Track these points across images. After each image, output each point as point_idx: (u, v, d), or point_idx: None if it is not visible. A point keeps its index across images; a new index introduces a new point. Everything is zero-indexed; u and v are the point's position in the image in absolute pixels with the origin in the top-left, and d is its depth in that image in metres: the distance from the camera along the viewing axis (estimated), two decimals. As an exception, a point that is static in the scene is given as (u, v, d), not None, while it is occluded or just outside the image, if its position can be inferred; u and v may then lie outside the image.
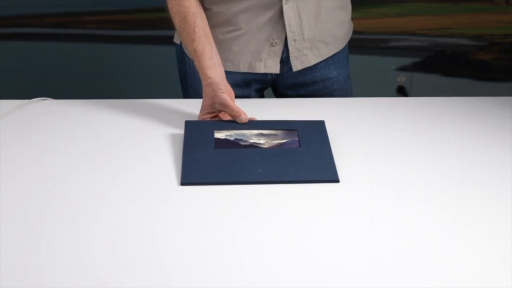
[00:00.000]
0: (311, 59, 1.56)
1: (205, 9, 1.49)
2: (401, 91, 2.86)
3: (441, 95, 1.60)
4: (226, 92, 1.36)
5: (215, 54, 1.42)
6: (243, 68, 1.55)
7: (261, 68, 1.55)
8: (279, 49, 1.53)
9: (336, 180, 1.19)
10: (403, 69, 2.85)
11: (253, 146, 1.28)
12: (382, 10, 2.81)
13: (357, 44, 2.73)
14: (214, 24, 1.49)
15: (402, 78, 2.85)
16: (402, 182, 1.19)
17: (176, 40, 1.64)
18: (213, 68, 1.39)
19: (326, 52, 1.58)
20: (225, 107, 1.35)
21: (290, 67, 1.56)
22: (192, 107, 1.46)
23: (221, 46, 1.50)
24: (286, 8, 1.48)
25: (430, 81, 2.86)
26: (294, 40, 1.52)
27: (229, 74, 1.45)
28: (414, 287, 0.92)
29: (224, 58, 1.47)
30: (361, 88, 1.90)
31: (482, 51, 2.84)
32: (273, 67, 1.55)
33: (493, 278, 0.94)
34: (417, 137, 1.36)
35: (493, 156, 1.29)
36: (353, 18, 1.66)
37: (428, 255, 0.99)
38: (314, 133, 1.32)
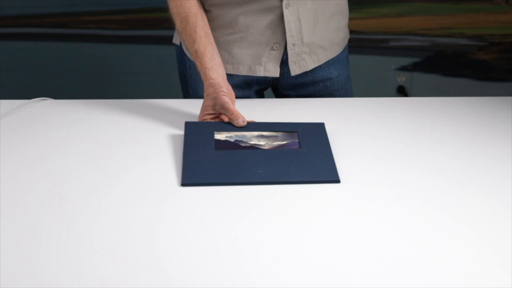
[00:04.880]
0: (309, 64, 1.56)
1: (206, 11, 1.49)
2: (401, 91, 2.86)
3: (441, 95, 1.60)
4: (227, 95, 1.36)
5: (216, 54, 1.42)
6: (243, 71, 1.55)
7: (261, 72, 1.55)
8: (279, 53, 1.53)
9: (337, 180, 1.19)
10: (403, 69, 2.85)
11: (253, 147, 1.28)
12: (382, 10, 2.81)
13: (357, 44, 2.74)
14: (214, 26, 1.49)
15: (402, 78, 2.85)
16: (402, 182, 1.19)
17: (175, 41, 1.64)
18: (214, 69, 1.39)
19: (324, 57, 1.58)
20: (225, 109, 1.35)
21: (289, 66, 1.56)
22: (192, 108, 1.46)
23: (222, 48, 1.50)
24: (286, 13, 1.47)
25: (430, 81, 2.86)
26: (294, 45, 1.52)
27: (229, 76, 1.45)
28: (414, 287, 0.92)
29: (224, 61, 1.47)
30: (361, 88, 1.91)
31: (482, 51, 2.84)
32: (272, 71, 1.55)
33: (493, 278, 0.94)
34: (417, 137, 1.36)
35: (493, 156, 1.29)
36: (353, 18, 1.66)
37: (428, 255, 0.99)
38: (314, 135, 1.32)
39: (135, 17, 2.82)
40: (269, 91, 1.67)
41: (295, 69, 1.55)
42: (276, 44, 1.52)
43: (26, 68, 2.82)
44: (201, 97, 1.42)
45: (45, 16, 2.79)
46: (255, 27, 1.50)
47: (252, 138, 1.31)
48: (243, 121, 1.34)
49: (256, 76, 1.56)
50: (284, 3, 1.46)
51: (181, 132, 1.35)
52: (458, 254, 0.99)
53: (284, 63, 1.55)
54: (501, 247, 1.01)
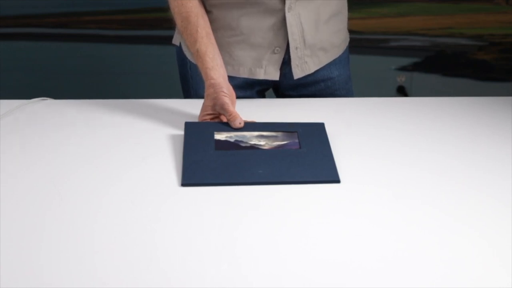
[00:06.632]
0: (311, 67, 1.56)
1: (206, 11, 1.48)
2: (401, 91, 2.86)
3: (441, 95, 1.60)
4: (227, 96, 1.36)
5: (218, 55, 1.42)
6: (243, 73, 1.55)
7: (261, 75, 1.55)
8: (279, 56, 1.53)
9: (337, 180, 1.19)
10: (403, 69, 2.85)
11: (253, 147, 1.28)
12: (382, 10, 2.81)
13: (357, 44, 2.74)
14: (215, 27, 1.48)
15: (402, 78, 2.85)
16: (402, 182, 1.19)
17: (175, 41, 1.64)
18: (215, 69, 1.39)
19: (325, 59, 1.58)
20: (224, 110, 1.35)
21: (292, 69, 1.56)
22: (192, 108, 1.46)
23: (223, 49, 1.49)
24: (288, 16, 1.47)
25: (430, 81, 2.86)
26: (296, 48, 1.51)
27: (230, 77, 1.45)
28: (414, 287, 0.92)
29: (224, 62, 1.46)
30: (361, 88, 1.91)
31: (482, 51, 2.84)
32: (273, 74, 1.54)
33: (493, 278, 0.94)
34: (417, 137, 1.36)
35: (493, 156, 1.29)
36: (353, 18, 1.66)
37: (429, 255, 0.99)
38: (314, 135, 1.32)
39: (135, 17, 2.82)
40: (270, 91, 1.67)
41: (297, 73, 1.55)
42: (277, 48, 1.51)
43: (26, 68, 2.82)
44: (202, 98, 1.42)
45: (45, 16, 2.79)
46: (257, 30, 1.49)
47: (252, 138, 1.31)
48: (240, 123, 1.34)
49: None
50: (286, 6, 1.46)
51: (181, 132, 1.35)
52: (458, 254, 0.99)
53: (285, 63, 1.55)
54: (501, 247, 1.01)
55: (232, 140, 1.30)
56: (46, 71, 2.81)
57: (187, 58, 1.60)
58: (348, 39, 1.66)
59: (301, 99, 1.57)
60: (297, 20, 1.48)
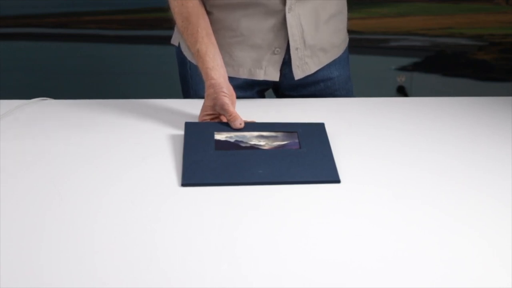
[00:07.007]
0: (312, 67, 1.56)
1: (207, 12, 1.48)
2: (401, 91, 2.86)
3: (441, 95, 1.61)
4: (227, 96, 1.36)
5: (218, 55, 1.41)
6: (243, 74, 1.55)
7: (261, 75, 1.55)
8: (279, 57, 1.53)
9: (337, 180, 1.19)
10: (403, 69, 2.85)
11: (253, 147, 1.28)
12: (382, 10, 2.81)
13: (357, 44, 2.74)
14: (216, 28, 1.48)
15: (402, 78, 2.85)
16: (402, 182, 1.19)
17: (174, 41, 1.64)
18: (216, 69, 1.39)
19: (325, 59, 1.58)
20: (224, 111, 1.35)
21: (292, 69, 1.56)
22: (192, 108, 1.46)
23: (223, 50, 1.49)
24: (289, 17, 1.47)
25: (430, 81, 2.86)
26: (297, 49, 1.51)
27: (230, 77, 1.45)
28: (414, 287, 0.92)
29: (224, 63, 1.46)
30: (361, 88, 1.91)
31: (482, 51, 2.84)
32: (273, 74, 1.54)
33: (493, 278, 0.94)
34: (417, 137, 1.36)
35: (493, 156, 1.29)
36: (353, 18, 1.66)
37: (429, 255, 0.99)
38: (314, 135, 1.32)
39: (135, 17, 2.82)
40: (270, 91, 1.67)
41: (298, 73, 1.55)
42: (277, 49, 1.51)
43: (26, 68, 2.82)
44: (201, 98, 1.42)
45: (45, 16, 2.79)
46: (257, 31, 1.49)
47: (252, 138, 1.31)
48: (240, 124, 1.34)
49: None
50: (286, 7, 1.46)
51: (181, 132, 1.35)
52: (458, 254, 0.99)
53: (285, 64, 1.55)
54: (501, 247, 1.01)
55: (232, 140, 1.30)
56: (46, 71, 2.81)
57: (186, 58, 1.60)
58: (347, 39, 1.66)
59: (301, 99, 1.57)
60: (297, 21, 1.48)
